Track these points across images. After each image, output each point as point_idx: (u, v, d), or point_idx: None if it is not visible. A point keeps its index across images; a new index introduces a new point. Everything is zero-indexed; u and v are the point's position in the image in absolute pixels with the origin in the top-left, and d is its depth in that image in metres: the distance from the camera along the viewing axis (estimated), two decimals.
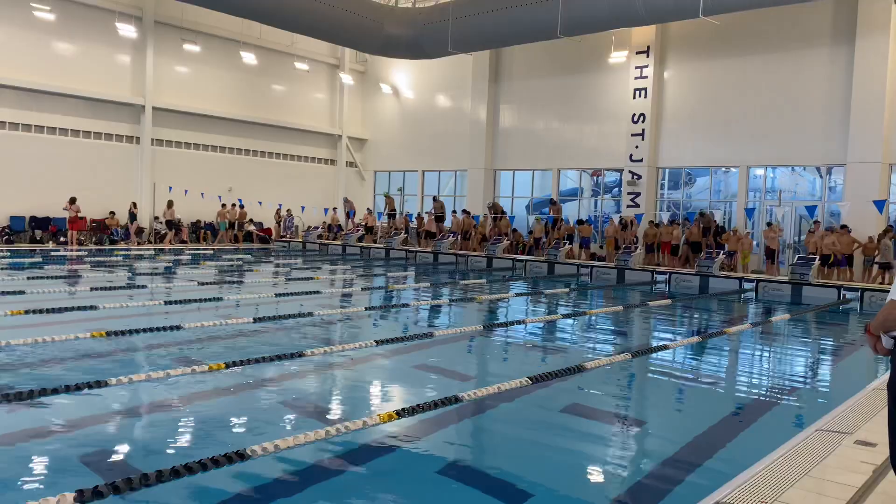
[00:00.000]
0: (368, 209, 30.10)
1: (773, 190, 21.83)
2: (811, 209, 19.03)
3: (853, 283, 17.26)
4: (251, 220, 27.99)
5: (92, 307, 10.35)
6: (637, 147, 23.24)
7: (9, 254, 19.08)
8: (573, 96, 25.34)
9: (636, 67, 23.26)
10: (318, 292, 13.49)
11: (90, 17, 23.74)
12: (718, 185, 23.98)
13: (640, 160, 23.19)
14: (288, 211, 29.03)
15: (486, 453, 5.41)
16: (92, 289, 13.13)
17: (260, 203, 27.85)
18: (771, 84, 20.79)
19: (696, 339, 10.36)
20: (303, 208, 28.97)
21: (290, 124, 29.74)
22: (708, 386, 7.92)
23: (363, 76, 32.53)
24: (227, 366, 6.95)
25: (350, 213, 29.83)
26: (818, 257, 17.56)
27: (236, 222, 27.17)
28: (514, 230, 25.04)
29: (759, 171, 21.99)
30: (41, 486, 4.20)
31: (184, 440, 5.20)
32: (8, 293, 11.34)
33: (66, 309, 10.15)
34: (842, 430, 5.15)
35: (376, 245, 26.39)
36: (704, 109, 22.27)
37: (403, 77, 31.19)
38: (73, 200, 22.04)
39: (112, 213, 24.25)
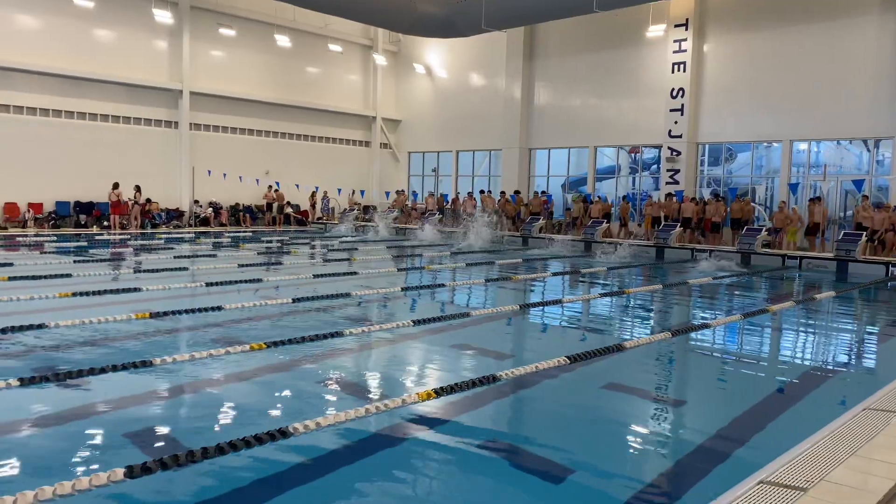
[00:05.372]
0: (402, 190, 30.15)
1: (818, 165, 21.24)
2: (858, 183, 18.49)
3: None
4: (288, 203, 28.26)
5: (136, 289, 10.59)
6: (676, 122, 22.80)
7: (55, 238, 19.59)
8: (610, 72, 24.92)
9: (675, 41, 22.75)
10: (355, 273, 13.59)
11: (127, 3, 24.05)
12: (760, 161, 23.42)
13: (680, 136, 22.76)
14: (325, 193, 29.25)
15: (524, 431, 5.40)
16: (135, 271, 13.43)
17: (297, 186, 28.09)
18: (815, 54, 20.16)
19: (737, 317, 10.18)
20: (339, 190, 29.14)
21: (324, 107, 29.84)
22: (750, 364, 7.79)
23: (396, 56, 32.44)
24: (268, 346, 7.05)
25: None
26: (865, 234, 17.08)
27: (274, 205, 27.48)
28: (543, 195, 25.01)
29: (803, 146, 21.39)
30: (92, 462, 4.32)
31: (227, 418, 5.30)
32: (56, 276, 11.65)
33: (111, 291, 10.40)
34: (890, 408, 5.02)
35: (411, 226, 26.43)
36: (745, 82, 21.71)
37: (436, 56, 31.01)
38: (115, 185, 22.49)
39: (137, 200, 24.69)
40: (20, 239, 19.29)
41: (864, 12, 19.30)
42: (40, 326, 7.57)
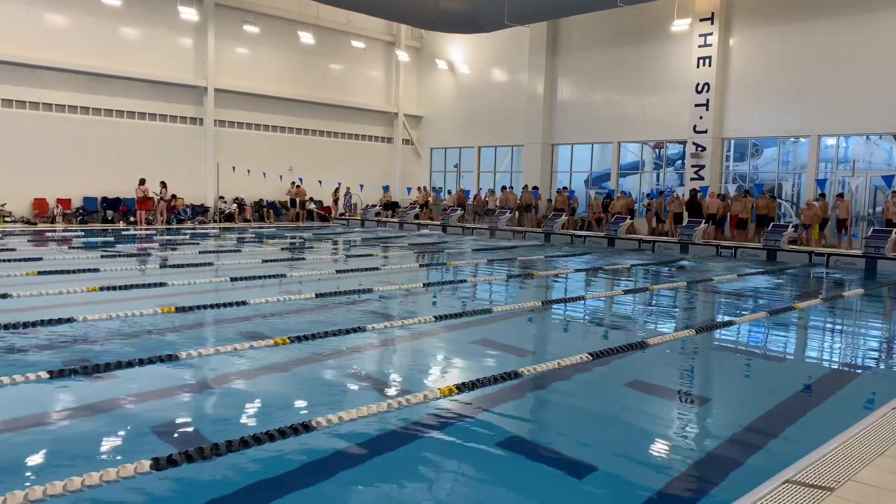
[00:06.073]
0: (424, 187, 30.18)
1: (846, 160, 20.89)
2: (888, 179, 18.16)
3: None
4: (311, 199, 28.44)
5: (161, 284, 10.72)
6: (701, 118, 22.55)
7: (83, 233, 19.90)
8: (634, 67, 24.70)
9: (700, 35, 22.50)
10: (377, 268, 13.64)
11: (153, 1, 24.31)
12: (787, 156, 23.10)
13: (705, 131, 22.51)
14: (347, 189, 29.38)
15: (547, 427, 5.39)
16: (161, 266, 13.60)
17: (320, 182, 28.23)
18: (843, 47, 19.81)
19: (763, 314, 10.06)
20: (361, 187, 29.25)
21: (347, 103, 29.95)
22: (776, 362, 7.70)
23: (419, 52, 32.44)
24: (292, 340, 7.10)
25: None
26: (895, 231, 16.77)
27: (297, 200, 27.67)
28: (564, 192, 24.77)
29: (831, 141, 21.06)
30: (119, 454, 4.39)
31: (251, 412, 5.35)
32: (83, 271, 11.84)
33: (137, 286, 10.54)
34: None
35: (433, 222, 26.47)
36: (772, 77, 21.40)
37: (459, 52, 30.96)
38: (142, 181, 22.77)
39: (165, 195, 24.95)
40: (49, 234, 19.62)
41: (892, 4, 18.91)
42: (69, 320, 7.70)
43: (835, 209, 18.75)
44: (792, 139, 22.29)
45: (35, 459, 4.32)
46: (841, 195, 18.89)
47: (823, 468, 3.76)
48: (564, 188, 25.75)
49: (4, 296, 9.18)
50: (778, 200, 21.34)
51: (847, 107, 19.81)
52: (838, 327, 10.08)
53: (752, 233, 20.18)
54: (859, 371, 7.26)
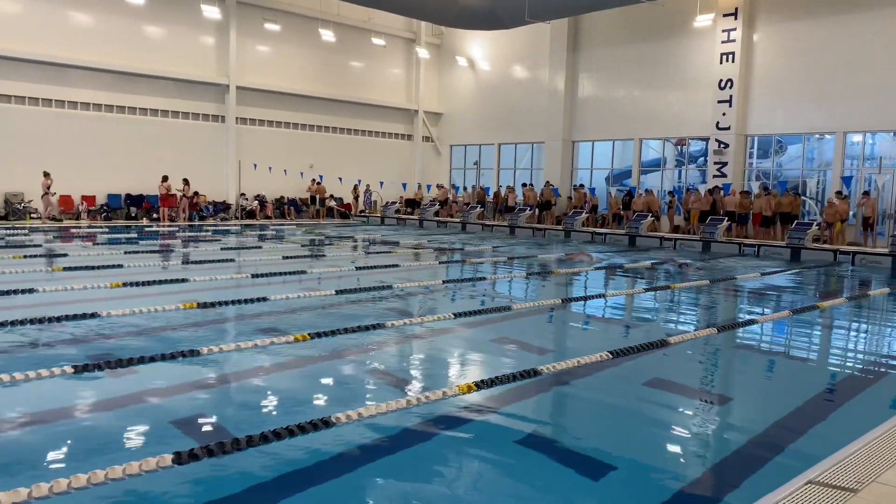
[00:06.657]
0: (441, 185, 30.18)
1: (873, 157, 20.55)
2: None
3: None
4: (332, 196, 28.56)
5: (184, 280, 10.83)
6: (724, 114, 22.31)
7: (107, 230, 20.16)
8: (656, 63, 24.49)
9: (723, 31, 22.25)
10: (396, 265, 13.67)
11: (176, 0, 24.55)
12: (812, 153, 22.77)
13: (728, 128, 22.27)
14: (367, 186, 29.47)
15: (566, 426, 5.37)
16: (183, 263, 13.74)
17: (340, 179, 28.35)
18: (870, 42, 19.48)
19: (786, 313, 9.94)
20: (381, 184, 29.30)
21: (367, 100, 30.03)
22: (799, 362, 7.60)
23: (439, 49, 32.42)
24: (312, 336, 7.14)
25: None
26: None
27: (317, 198, 27.81)
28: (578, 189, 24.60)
29: (857, 138, 20.73)
30: (142, 448, 4.44)
31: (272, 407, 5.39)
32: (107, 267, 11.99)
33: (160, 282, 10.66)
34: None
35: (452, 219, 26.46)
36: (797, 73, 21.11)
37: (479, 49, 30.90)
38: (164, 179, 23.02)
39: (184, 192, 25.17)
40: (73, 230, 19.90)
41: None
42: (93, 315, 7.80)
43: (860, 207, 18.47)
44: (817, 136, 21.98)
45: (59, 452, 4.39)
46: (867, 193, 18.60)
47: (846, 469, 3.71)
48: (581, 185, 25.61)
49: (31, 291, 9.34)
50: (802, 198, 21.07)
51: (873, 103, 19.48)
52: (863, 327, 9.93)
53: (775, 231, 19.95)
54: (884, 371, 7.15)
